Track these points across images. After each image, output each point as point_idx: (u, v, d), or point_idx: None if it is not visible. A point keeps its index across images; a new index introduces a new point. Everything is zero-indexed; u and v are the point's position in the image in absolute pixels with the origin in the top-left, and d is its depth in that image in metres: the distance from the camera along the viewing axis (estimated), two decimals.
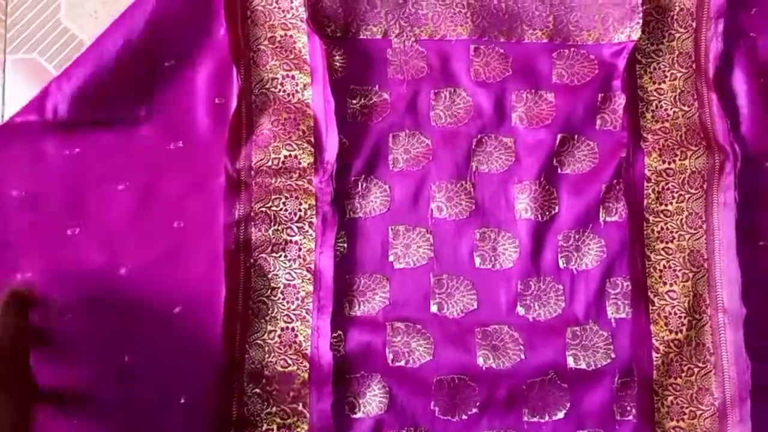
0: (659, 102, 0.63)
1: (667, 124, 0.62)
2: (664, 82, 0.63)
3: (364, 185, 0.62)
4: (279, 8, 0.63)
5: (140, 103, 0.61)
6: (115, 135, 0.61)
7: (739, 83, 0.63)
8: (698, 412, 0.59)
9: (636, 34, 0.62)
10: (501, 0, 0.63)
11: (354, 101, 0.63)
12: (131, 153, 0.61)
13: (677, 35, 0.64)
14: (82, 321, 0.57)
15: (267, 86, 0.63)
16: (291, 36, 0.63)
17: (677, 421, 0.58)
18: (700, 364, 0.59)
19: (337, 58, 0.63)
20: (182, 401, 0.57)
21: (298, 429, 0.58)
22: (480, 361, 0.59)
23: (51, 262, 0.58)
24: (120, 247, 0.59)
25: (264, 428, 0.58)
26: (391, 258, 0.61)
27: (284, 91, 0.63)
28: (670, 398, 0.59)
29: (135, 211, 0.60)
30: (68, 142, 0.60)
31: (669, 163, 0.62)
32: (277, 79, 0.63)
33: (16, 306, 0.54)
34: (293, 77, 0.63)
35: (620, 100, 0.62)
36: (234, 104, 0.61)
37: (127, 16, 0.61)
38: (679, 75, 0.63)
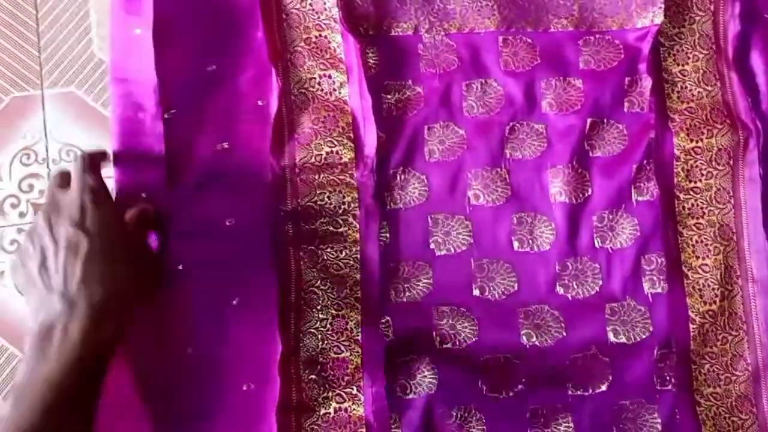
0: (684, 83, 0.65)
1: (692, 104, 0.65)
2: (687, 63, 0.65)
3: (403, 177, 0.64)
4: (313, 10, 0.65)
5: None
6: None
7: (757, 63, 0.65)
8: (733, 378, 0.61)
9: (659, 18, 0.64)
10: None
11: (389, 96, 0.65)
12: None
13: (697, 18, 0.66)
14: (145, 316, 0.60)
15: (305, 86, 0.65)
16: (325, 36, 0.65)
17: (714, 387, 0.61)
18: (734, 332, 0.62)
19: (371, 55, 0.65)
20: (245, 389, 0.59)
21: (354, 411, 0.61)
22: (524, 339, 0.62)
23: None
24: (176, 248, 0.61)
25: (322, 412, 0.60)
26: (432, 245, 0.64)
27: (322, 90, 0.65)
28: (707, 366, 0.61)
29: None
30: None
31: (696, 142, 0.64)
32: (315, 78, 0.65)
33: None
34: (330, 76, 0.65)
35: (646, 83, 0.64)
36: (275, 105, 0.64)
37: None
38: (701, 56, 0.65)
